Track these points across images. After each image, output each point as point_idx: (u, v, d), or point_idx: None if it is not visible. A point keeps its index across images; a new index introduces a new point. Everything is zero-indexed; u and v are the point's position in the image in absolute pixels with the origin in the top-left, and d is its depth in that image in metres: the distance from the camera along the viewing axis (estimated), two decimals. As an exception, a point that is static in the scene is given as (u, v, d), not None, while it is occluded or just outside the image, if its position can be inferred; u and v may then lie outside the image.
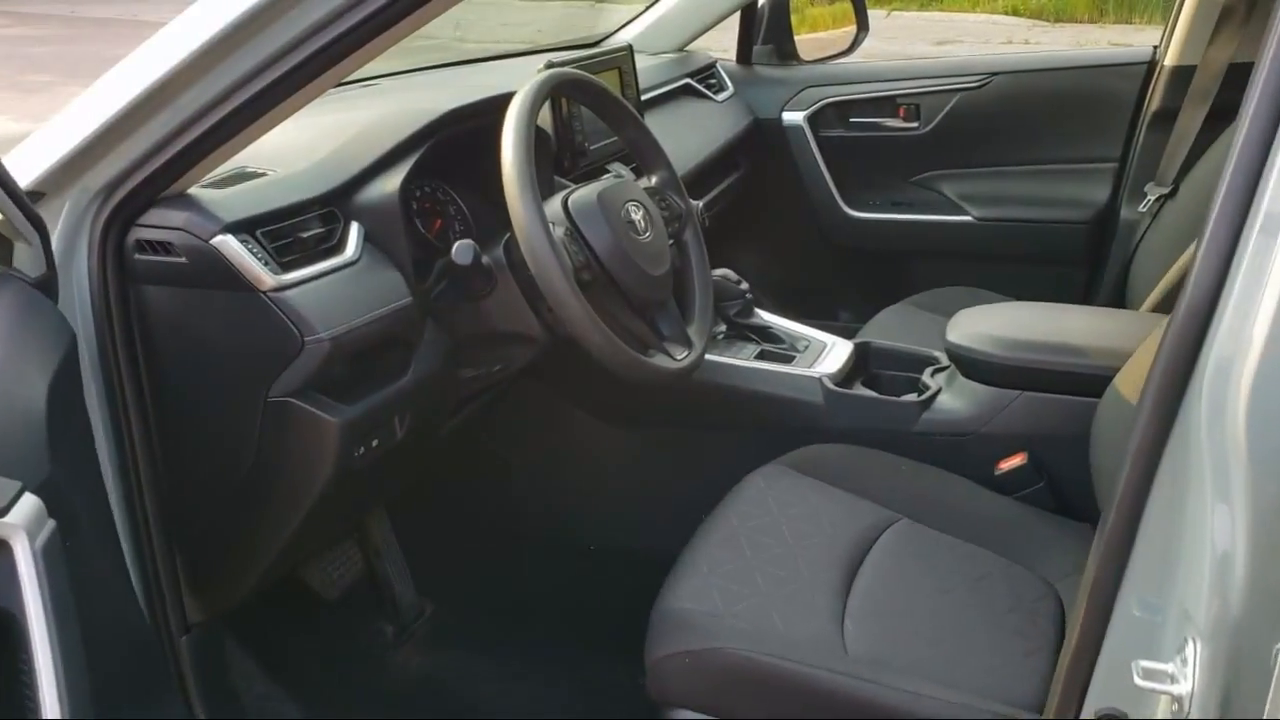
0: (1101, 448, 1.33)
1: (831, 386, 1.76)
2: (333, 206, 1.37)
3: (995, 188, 2.56)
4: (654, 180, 1.63)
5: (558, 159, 1.79)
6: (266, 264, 1.24)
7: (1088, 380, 1.49)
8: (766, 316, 1.98)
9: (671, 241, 1.59)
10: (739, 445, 1.80)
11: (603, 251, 1.41)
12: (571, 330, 1.31)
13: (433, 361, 1.43)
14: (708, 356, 1.71)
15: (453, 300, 1.45)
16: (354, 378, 1.33)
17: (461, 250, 1.35)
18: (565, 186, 1.69)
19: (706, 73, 2.62)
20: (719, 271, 1.92)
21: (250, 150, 1.26)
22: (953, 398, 1.72)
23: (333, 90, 1.30)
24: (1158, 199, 2.16)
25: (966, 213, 2.56)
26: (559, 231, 1.37)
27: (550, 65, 1.78)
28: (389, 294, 1.35)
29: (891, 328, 2.18)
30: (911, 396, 1.76)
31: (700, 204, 2.03)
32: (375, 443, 1.36)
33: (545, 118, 1.78)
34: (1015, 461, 1.61)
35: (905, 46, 7.87)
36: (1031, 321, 1.73)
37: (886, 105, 2.59)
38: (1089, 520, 1.44)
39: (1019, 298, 2.24)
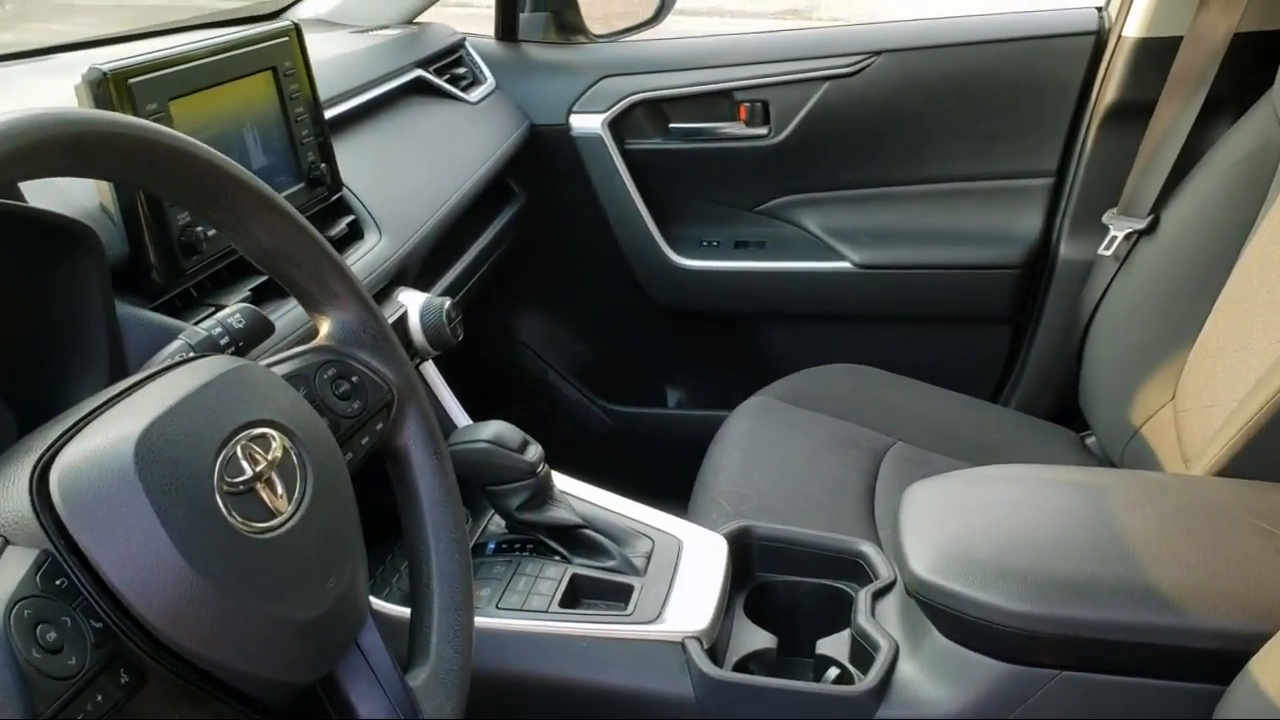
0: None
1: (707, 667, 0.95)
2: None
3: (881, 219, 1.81)
4: (325, 331, 0.75)
5: (128, 272, 0.87)
6: None
7: (1190, 657, 0.87)
8: (572, 493, 1.14)
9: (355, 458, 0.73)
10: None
11: (142, 600, 0.52)
12: None
13: None
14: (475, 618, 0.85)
15: None
16: None
17: None
18: (156, 332, 0.82)
19: (450, 58, 1.75)
20: (491, 429, 1.08)
21: None
22: (926, 673, 0.96)
23: None
24: (1128, 236, 1.53)
25: (842, 256, 1.80)
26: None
27: (98, 79, 0.87)
28: None
29: (759, 453, 1.44)
30: (835, 674, 0.99)
31: (447, 302, 1.19)
32: None
33: (103, 187, 0.88)
34: (1056, 805, 0.91)
35: (695, 1, 6.90)
36: (1065, 525, 0.98)
37: (721, 102, 1.80)
38: None
39: (926, 379, 1.61)
